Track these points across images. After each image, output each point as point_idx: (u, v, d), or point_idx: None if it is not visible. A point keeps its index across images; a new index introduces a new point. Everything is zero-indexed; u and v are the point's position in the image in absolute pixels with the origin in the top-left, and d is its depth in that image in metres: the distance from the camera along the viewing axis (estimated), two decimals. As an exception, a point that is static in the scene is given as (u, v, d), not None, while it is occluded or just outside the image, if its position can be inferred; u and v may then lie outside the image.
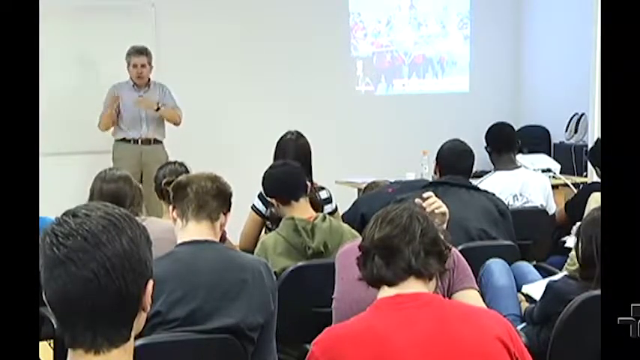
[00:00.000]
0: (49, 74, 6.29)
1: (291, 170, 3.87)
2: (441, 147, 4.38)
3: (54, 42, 6.61)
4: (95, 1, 7.15)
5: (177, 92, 7.45)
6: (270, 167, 4.00)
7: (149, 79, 6.70)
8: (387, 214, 2.16)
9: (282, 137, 4.72)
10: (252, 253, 3.62)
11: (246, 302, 2.69)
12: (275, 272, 3.09)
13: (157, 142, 6.67)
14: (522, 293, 3.65)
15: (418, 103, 8.58)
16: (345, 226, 3.80)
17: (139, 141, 6.60)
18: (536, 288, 3.54)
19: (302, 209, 3.74)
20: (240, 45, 7.62)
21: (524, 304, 3.56)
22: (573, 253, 4.18)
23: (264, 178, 3.94)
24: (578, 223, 3.36)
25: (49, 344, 3.31)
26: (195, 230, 2.77)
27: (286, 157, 4.33)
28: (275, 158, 4.58)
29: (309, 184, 3.91)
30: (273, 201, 3.82)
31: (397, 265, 2.08)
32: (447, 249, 2.18)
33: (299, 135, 4.66)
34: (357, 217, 4.24)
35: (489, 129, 4.98)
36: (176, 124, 6.71)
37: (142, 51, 6.63)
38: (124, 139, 6.60)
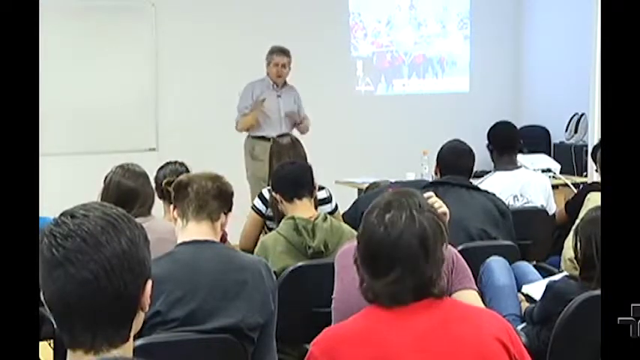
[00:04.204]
0: (49, 74, 6.28)
1: (298, 169, 3.89)
2: (441, 147, 4.39)
3: (54, 42, 6.60)
4: (95, 1, 7.15)
5: (177, 92, 7.49)
6: (281, 165, 4.04)
7: (285, 80, 6.69)
8: (380, 250, 1.99)
9: (275, 141, 4.73)
10: (253, 253, 3.63)
11: (246, 302, 2.69)
12: (275, 272, 3.09)
13: None
14: (522, 293, 3.65)
15: (418, 103, 8.58)
16: (346, 226, 3.81)
17: (273, 139, 6.54)
18: (536, 288, 3.54)
19: (304, 208, 3.75)
20: (239, 45, 7.62)
21: (524, 304, 3.56)
22: (565, 252, 4.19)
23: (273, 172, 3.97)
24: (577, 223, 3.36)
25: (49, 344, 3.30)
26: (196, 230, 2.77)
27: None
28: (270, 163, 4.61)
29: (316, 185, 3.94)
30: (278, 196, 3.82)
31: (407, 297, 2.01)
32: (444, 241, 2.10)
33: (295, 141, 4.69)
34: (357, 217, 4.24)
35: (493, 127, 4.95)
36: (303, 133, 6.70)
37: (284, 51, 6.61)
38: (262, 137, 6.50)
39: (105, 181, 3.68)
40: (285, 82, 6.70)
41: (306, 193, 3.79)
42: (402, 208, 2.02)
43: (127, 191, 3.58)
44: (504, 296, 3.58)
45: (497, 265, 3.69)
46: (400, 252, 1.97)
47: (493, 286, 3.61)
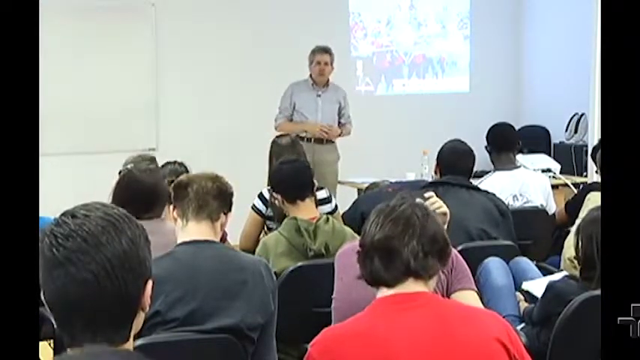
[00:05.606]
0: (49, 74, 6.28)
1: (301, 168, 3.87)
2: (442, 147, 4.39)
3: (54, 42, 6.60)
4: (95, 1, 7.15)
5: (177, 92, 7.48)
6: (281, 162, 4.00)
7: (328, 80, 6.64)
8: (387, 212, 2.14)
9: (275, 141, 4.73)
10: (253, 253, 3.62)
11: (245, 302, 2.69)
12: (275, 272, 3.09)
13: (329, 141, 6.52)
14: (522, 290, 3.65)
15: (418, 103, 8.58)
16: (347, 228, 3.79)
17: (312, 140, 6.43)
18: (536, 285, 3.53)
19: (307, 209, 3.73)
20: (239, 45, 7.62)
21: (523, 304, 3.56)
22: (565, 252, 4.19)
23: (273, 171, 3.93)
24: (577, 222, 3.36)
25: (49, 344, 3.30)
26: (196, 230, 2.77)
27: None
28: (270, 163, 4.59)
29: (316, 184, 3.93)
30: (279, 197, 3.80)
31: (395, 268, 2.06)
32: (448, 244, 2.14)
33: (295, 141, 4.68)
34: (357, 217, 4.24)
35: (490, 129, 4.98)
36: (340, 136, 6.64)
37: (326, 49, 6.59)
38: (297, 137, 6.22)
39: (118, 178, 3.51)
40: (327, 82, 6.63)
41: (308, 194, 3.77)
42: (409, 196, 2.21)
43: (147, 191, 3.35)
44: (503, 297, 3.58)
45: (494, 265, 3.69)
46: (402, 215, 2.10)
47: (491, 286, 3.61)
